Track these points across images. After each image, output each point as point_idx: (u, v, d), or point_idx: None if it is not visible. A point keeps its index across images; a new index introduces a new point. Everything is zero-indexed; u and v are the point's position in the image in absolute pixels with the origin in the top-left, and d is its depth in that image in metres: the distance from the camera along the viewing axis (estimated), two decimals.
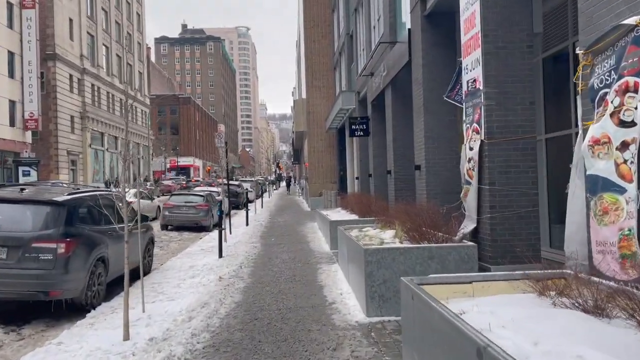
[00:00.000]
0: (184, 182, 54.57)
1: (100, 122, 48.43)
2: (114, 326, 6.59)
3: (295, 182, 72.39)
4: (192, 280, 9.49)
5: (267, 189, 53.65)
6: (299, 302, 7.49)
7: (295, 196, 48.86)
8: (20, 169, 31.87)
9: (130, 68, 59.72)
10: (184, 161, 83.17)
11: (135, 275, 10.36)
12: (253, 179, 54.22)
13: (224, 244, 14.33)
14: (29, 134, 36.46)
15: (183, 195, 20.29)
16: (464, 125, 7.42)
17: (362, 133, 16.55)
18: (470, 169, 7.04)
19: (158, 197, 33.53)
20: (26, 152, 35.21)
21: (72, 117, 43.91)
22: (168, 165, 76.81)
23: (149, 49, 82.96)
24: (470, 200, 7.02)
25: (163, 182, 54.18)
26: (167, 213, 19.04)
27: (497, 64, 6.71)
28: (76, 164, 44.29)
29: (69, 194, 8.00)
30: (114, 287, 8.86)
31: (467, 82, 7.27)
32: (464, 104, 7.48)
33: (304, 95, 35.08)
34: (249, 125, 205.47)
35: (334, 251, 12.21)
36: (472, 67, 7.07)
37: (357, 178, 20.03)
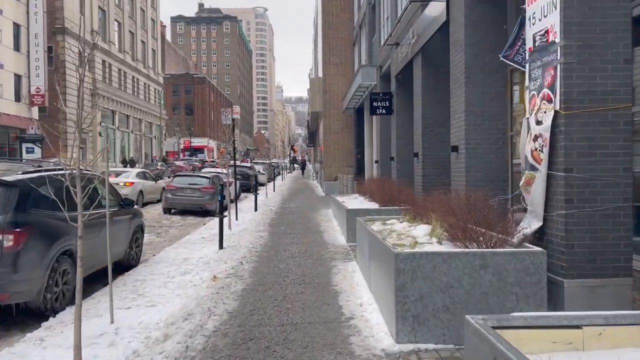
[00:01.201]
0: (200, 163, 52.95)
1: (111, 100, 47.16)
2: (69, 343, 5.07)
3: (311, 164, 70.82)
4: (183, 278, 7.97)
5: (281, 172, 52.24)
6: (308, 316, 5.91)
7: (309, 180, 47.33)
8: (24, 145, 30.67)
9: (143, 45, 58.28)
10: (198, 142, 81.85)
11: (119, 268, 8.92)
12: (266, 161, 52.65)
13: (227, 232, 12.85)
14: (35, 109, 35.25)
15: (187, 176, 18.81)
16: (527, 92, 5.69)
17: (384, 111, 14.81)
18: (536, 149, 5.33)
19: (169, 177, 32.18)
20: (32, 128, 34.05)
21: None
22: (182, 146, 75.62)
23: (163, 26, 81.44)
24: (536, 191, 5.32)
25: (175, 162, 52.89)
26: (169, 196, 17.59)
27: (582, 7, 4.96)
28: (86, 142, 43.14)
29: (23, 172, 6.46)
30: (92, 284, 7.40)
31: (534, 35, 5.52)
32: (527, 65, 5.75)
33: (320, 74, 33.28)
34: (265, 108, 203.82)
35: (351, 244, 10.62)
36: (543, 15, 5.32)
37: (376, 162, 18.35)
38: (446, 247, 5.61)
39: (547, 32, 5.25)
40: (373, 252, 6.51)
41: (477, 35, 8.07)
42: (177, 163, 50.99)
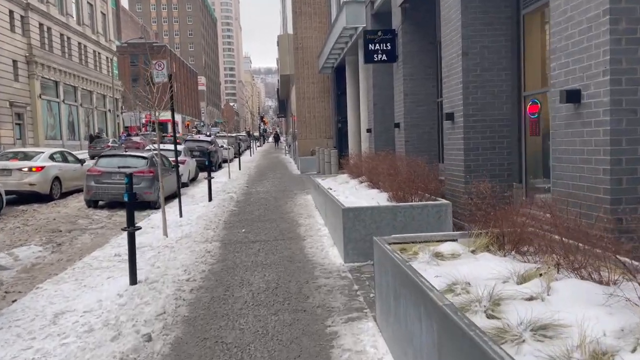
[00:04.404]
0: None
1: (52, 69, 41.36)
2: None
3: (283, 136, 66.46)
4: None
5: (250, 146, 47.69)
6: None
7: (281, 154, 42.84)
8: None
9: (91, 8, 51.94)
10: (160, 115, 75.91)
11: None
12: (232, 134, 47.66)
13: (161, 241, 8.50)
14: None
15: (117, 156, 14.13)
16: None
17: (384, 57, 10.44)
18: None
19: None
20: None
21: (14, 61, 36.88)
22: (143, 120, 69.71)
23: None
24: None
25: (132, 138, 47.37)
26: (92, 184, 13.00)
27: None
28: (23, 117, 37.52)
29: None
30: None
31: None
32: None
33: (290, 30, 28.48)
34: (233, 79, 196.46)
35: (352, 266, 6.40)
36: None
37: (368, 131, 14.07)
38: None
39: None
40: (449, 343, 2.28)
41: None
42: (134, 139, 45.55)
